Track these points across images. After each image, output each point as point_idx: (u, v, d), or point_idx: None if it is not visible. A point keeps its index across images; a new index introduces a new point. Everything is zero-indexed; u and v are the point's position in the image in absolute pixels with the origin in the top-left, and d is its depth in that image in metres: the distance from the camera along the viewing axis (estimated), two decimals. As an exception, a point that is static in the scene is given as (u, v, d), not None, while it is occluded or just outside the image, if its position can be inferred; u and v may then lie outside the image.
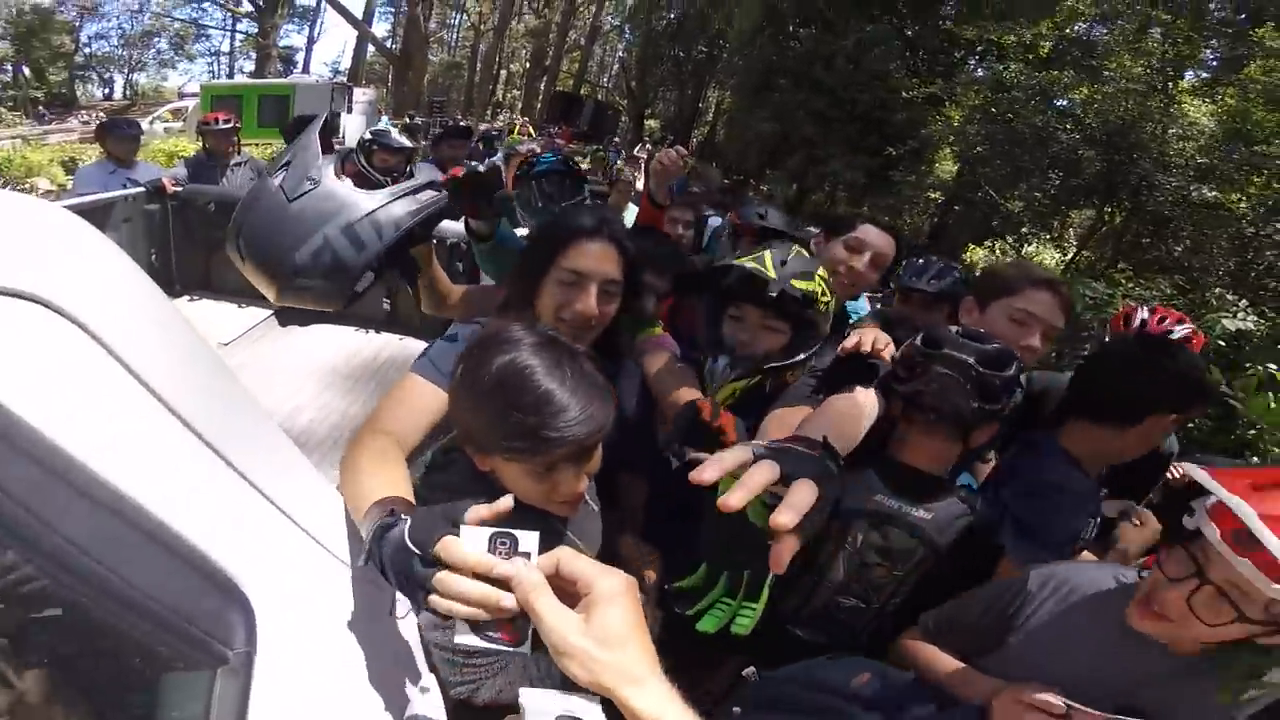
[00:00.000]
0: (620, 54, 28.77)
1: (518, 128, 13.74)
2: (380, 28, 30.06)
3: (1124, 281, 6.79)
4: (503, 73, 31.66)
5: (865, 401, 1.18)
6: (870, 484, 1.20)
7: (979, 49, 11.41)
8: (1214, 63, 9.05)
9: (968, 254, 9.60)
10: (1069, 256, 8.54)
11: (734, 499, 0.57)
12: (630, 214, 2.85)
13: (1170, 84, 7.98)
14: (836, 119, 10.76)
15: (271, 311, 3.23)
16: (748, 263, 1.28)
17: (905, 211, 9.87)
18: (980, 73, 10.58)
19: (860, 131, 10.45)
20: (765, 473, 0.60)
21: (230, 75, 28.64)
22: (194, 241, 3.38)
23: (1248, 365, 3.42)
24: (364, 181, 3.10)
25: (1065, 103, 8.29)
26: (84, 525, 0.40)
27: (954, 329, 1.22)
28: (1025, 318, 1.39)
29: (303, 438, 2.46)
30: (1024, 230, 8.46)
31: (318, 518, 0.75)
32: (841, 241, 1.63)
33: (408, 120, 13.69)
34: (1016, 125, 7.91)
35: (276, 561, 0.64)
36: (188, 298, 3.40)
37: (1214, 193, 6.60)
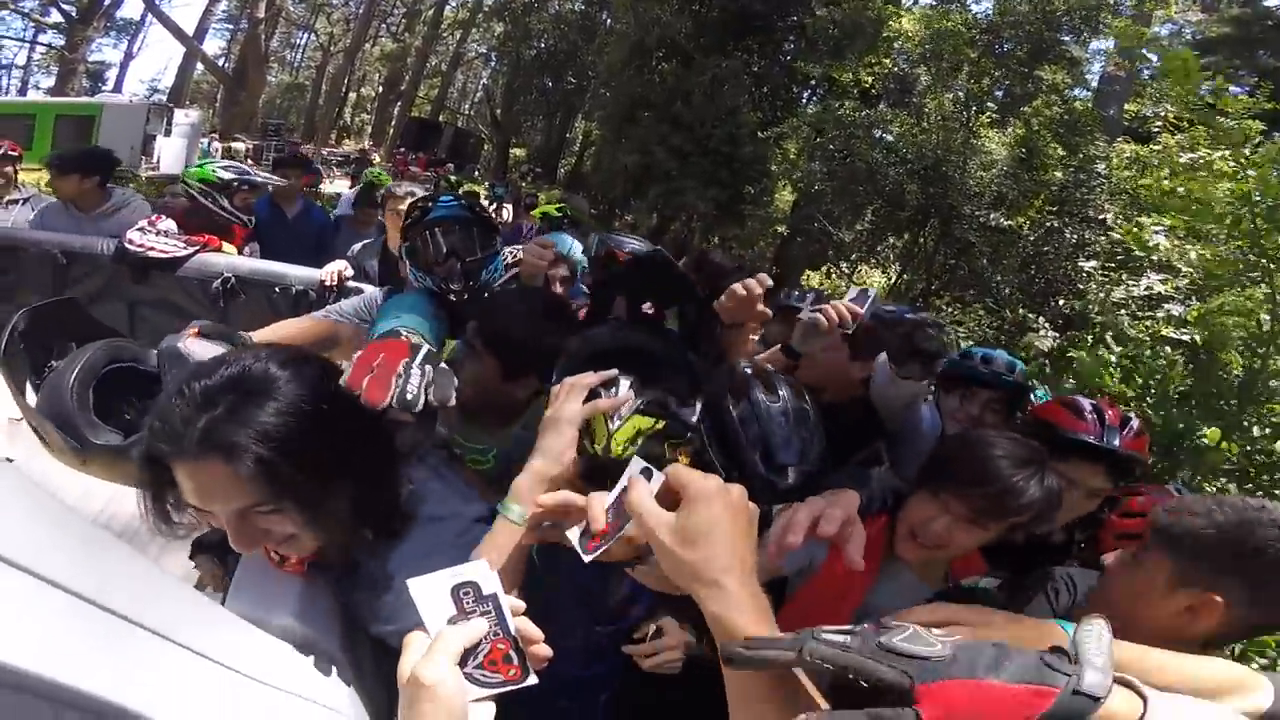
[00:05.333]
0: (485, 81, 28.46)
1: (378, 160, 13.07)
2: (214, 44, 27.52)
3: (944, 307, 7.73)
4: (351, 95, 30.17)
5: None
6: None
7: (813, 82, 12.59)
8: (1004, 97, 10.41)
9: (805, 279, 10.46)
10: (891, 280, 9.50)
11: None
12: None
13: (971, 118, 9.09)
14: (692, 153, 11.30)
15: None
16: None
17: (754, 242, 10.66)
18: (811, 109, 11.64)
19: (713, 165, 11.07)
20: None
21: (22, 91, 24.79)
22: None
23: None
24: (213, 225, 2.79)
25: (889, 137, 9.14)
26: None
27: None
28: None
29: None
30: (854, 257, 9.44)
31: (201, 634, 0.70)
32: None
33: (232, 144, 12.58)
34: (853, 163, 8.68)
35: (185, 692, 0.62)
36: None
37: (1007, 221, 7.75)
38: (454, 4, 27.60)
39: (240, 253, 2.91)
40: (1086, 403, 1.49)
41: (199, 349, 1.23)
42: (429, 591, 0.61)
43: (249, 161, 12.05)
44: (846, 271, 9.99)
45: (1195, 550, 1.00)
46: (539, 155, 23.08)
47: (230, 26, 27.80)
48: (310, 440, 0.82)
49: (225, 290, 2.50)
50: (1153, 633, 0.98)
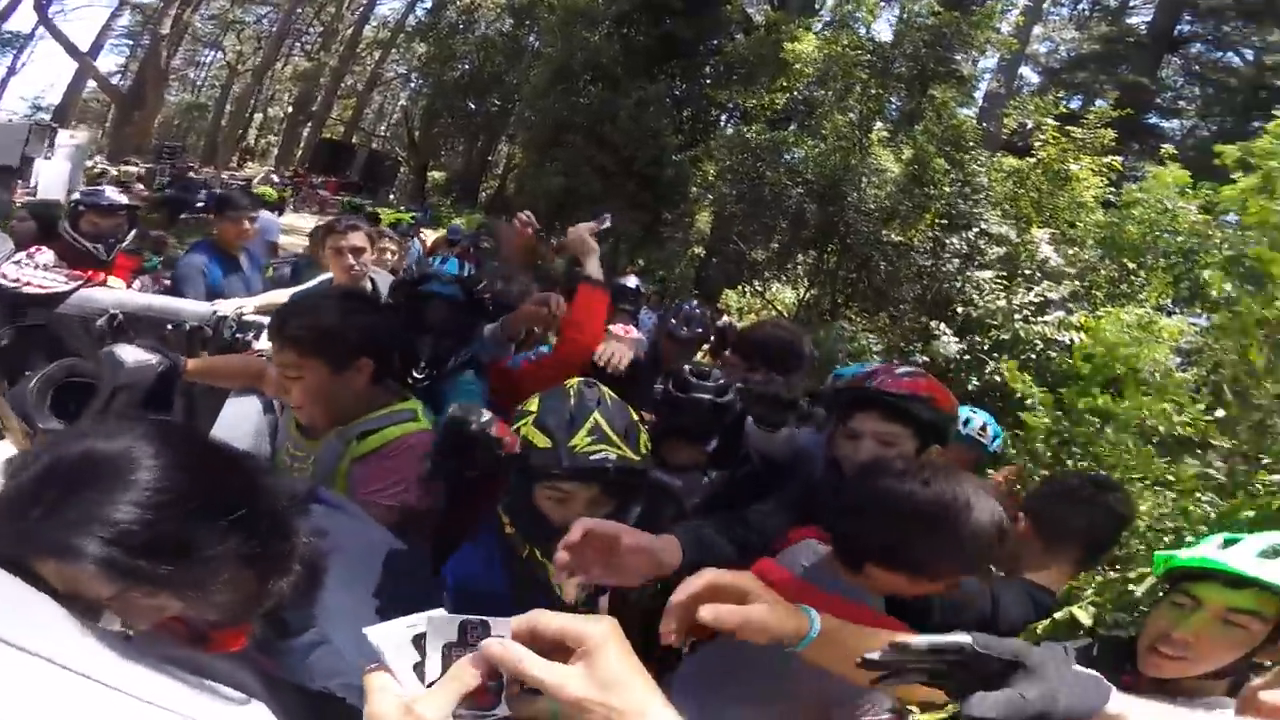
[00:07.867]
0: (403, 103, 27.92)
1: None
2: (110, 60, 25.76)
3: (852, 318, 8.18)
4: (258, 116, 28.96)
5: None
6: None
7: (730, 107, 13.17)
8: (895, 115, 10.78)
9: (722, 299, 10.77)
10: (802, 296, 9.99)
11: None
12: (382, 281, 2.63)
13: (865, 136, 9.38)
14: (617, 175, 11.56)
15: None
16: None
17: (674, 264, 10.93)
18: (729, 131, 12.15)
19: (637, 187, 11.38)
20: None
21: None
22: None
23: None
24: (73, 254, 2.65)
25: (792, 158, 9.50)
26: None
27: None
28: None
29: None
30: (767, 275, 9.89)
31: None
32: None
33: (122, 169, 11.82)
34: (760, 185, 9.09)
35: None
36: None
37: (898, 236, 8.31)
38: (374, 24, 27.14)
39: (129, 287, 2.81)
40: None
41: (129, 354, 1.48)
42: (388, 639, 0.59)
43: (138, 186, 11.31)
44: (760, 290, 10.43)
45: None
46: (459, 179, 22.82)
47: (130, 42, 26.18)
48: (172, 528, 0.67)
49: (112, 328, 2.41)
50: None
